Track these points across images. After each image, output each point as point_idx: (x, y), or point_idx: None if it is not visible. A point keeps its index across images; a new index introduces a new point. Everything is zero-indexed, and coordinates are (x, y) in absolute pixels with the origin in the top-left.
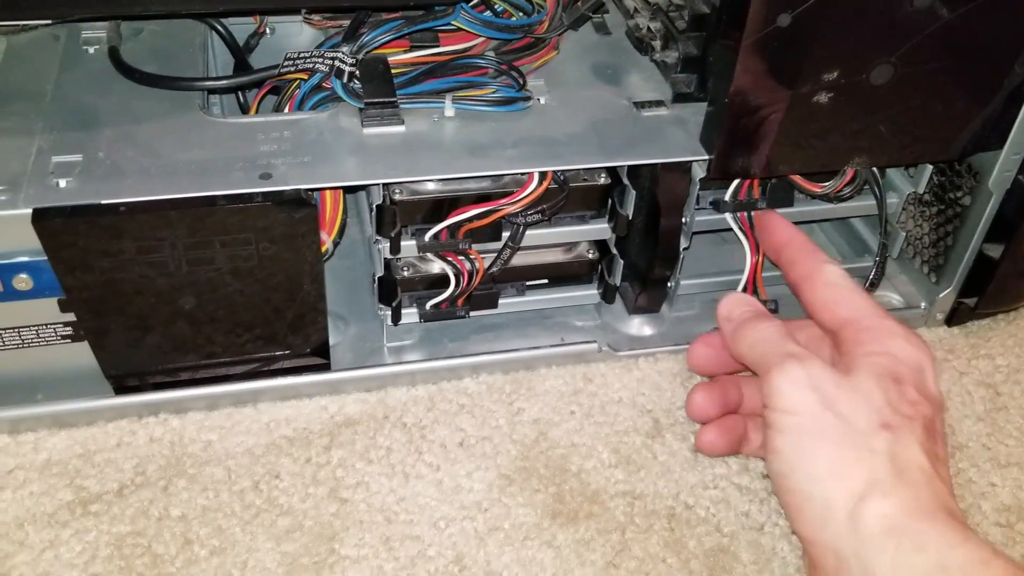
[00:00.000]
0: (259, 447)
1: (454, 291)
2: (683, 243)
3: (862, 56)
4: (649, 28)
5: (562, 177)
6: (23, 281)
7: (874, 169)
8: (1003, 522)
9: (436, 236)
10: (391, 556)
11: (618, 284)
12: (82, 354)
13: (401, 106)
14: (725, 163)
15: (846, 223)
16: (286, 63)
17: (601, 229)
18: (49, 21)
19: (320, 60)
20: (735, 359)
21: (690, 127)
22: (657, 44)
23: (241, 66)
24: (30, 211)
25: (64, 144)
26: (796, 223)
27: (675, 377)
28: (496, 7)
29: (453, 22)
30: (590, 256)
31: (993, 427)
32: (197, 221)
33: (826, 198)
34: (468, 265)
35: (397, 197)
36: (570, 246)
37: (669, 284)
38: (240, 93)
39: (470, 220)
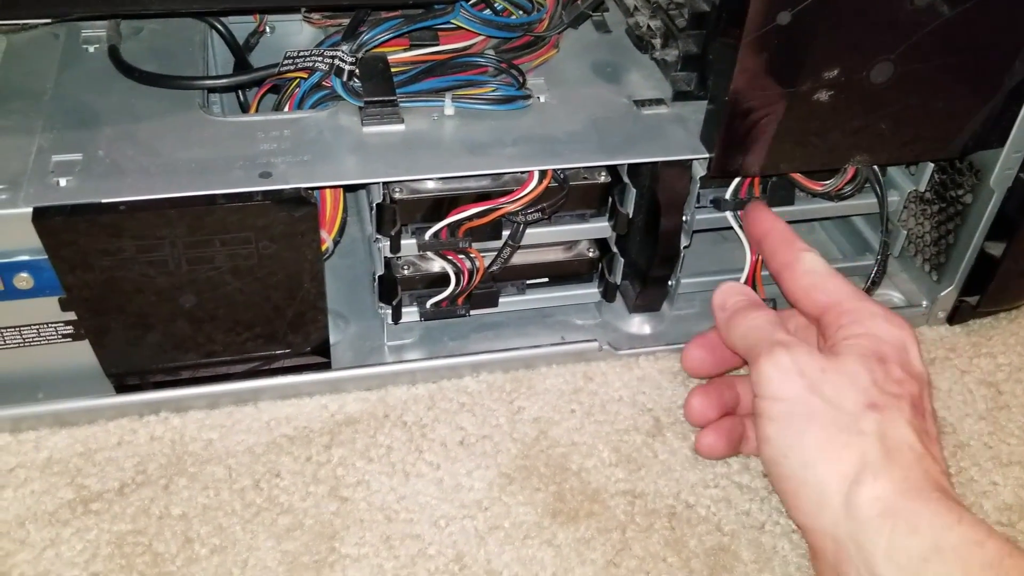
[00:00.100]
0: (260, 446)
1: (454, 290)
2: (683, 241)
3: (862, 54)
4: (649, 26)
5: (562, 175)
6: (24, 280)
7: (875, 167)
8: (1005, 521)
9: (436, 235)
10: (391, 555)
11: (618, 283)
12: (83, 353)
13: (401, 105)
14: (725, 161)
15: (847, 221)
16: (286, 62)
17: (601, 228)
18: (49, 20)
19: (320, 59)
20: (728, 349)
21: (690, 125)
22: (657, 42)
23: (241, 65)
24: (30, 210)
25: (64, 143)
26: (797, 221)
27: (676, 376)
28: (496, 5)
29: (453, 20)
30: (590, 255)
31: (995, 426)
32: (197, 220)
33: (827, 196)
34: (468, 264)
35: (397, 196)
36: (570, 244)
37: (670, 283)
38: (240, 92)
39: (470, 219)
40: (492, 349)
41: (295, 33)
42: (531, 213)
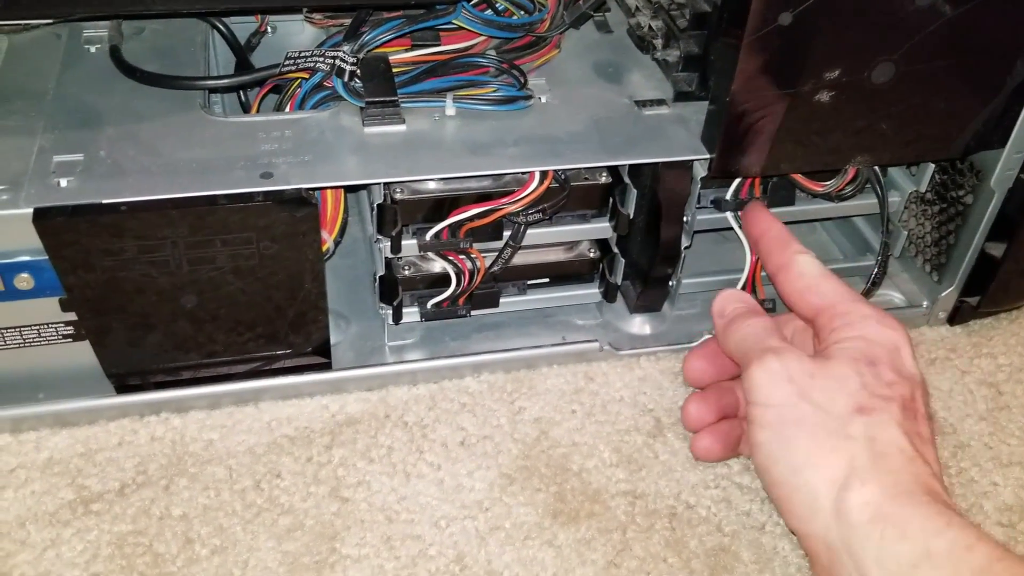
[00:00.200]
0: (260, 446)
1: (455, 290)
2: (684, 242)
3: (863, 55)
4: (650, 26)
5: (563, 176)
6: (24, 280)
7: (875, 168)
8: (1005, 522)
9: (437, 235)
10: (392, 555)
11: (619, 283)
12: (83, 353)
13: (402, 105)
14: (726, 162)
15: (848, 222)
16: (287, 62)
17: (602, 228)
18: (51, 20)
19: (321, 59)
20: (726, 356)
21: (691, 126)
22: (658, 42)
23: (242, 65)
24: (31, 211)
25: (65, 143)
26: (798, 222)
27: (677, 376)
28: (498, 6)
29: (454, 21)
30: (591, 255)
31: (995, 426)
32: (198, 220)
33: (827, 197)
34: (469, 264)
35: (398, 196)
36: (571, 245)
37: (670, 283)
38: (242, 92)
39: (471, 219)
40: (493, 349)
41: (297, 33)
42: (532, 214)
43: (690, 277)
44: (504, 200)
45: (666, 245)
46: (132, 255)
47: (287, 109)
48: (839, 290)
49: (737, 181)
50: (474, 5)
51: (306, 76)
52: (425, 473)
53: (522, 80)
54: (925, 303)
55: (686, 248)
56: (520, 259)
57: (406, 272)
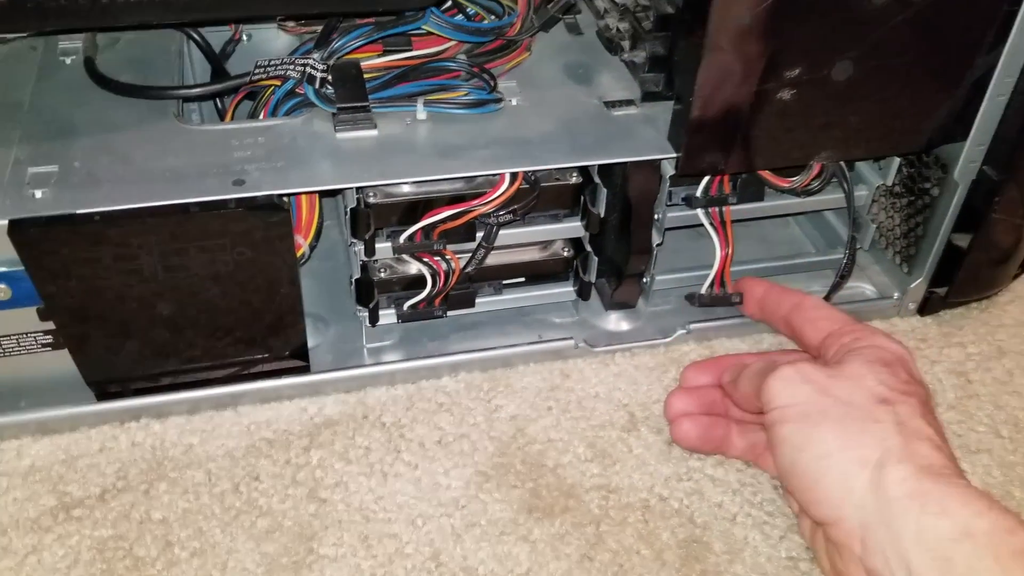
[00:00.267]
0: (239, 449)
1: (431, 291)
2: (656, 239)
3: (822, 53)
4: (618, 28)
5: (533, 177)
6: (2, 291)
7: (841, 163)
8: None
9: (411, 237)
10: (369, 554)
11: (593, 281)
12: (63, 362)
13: (374, 110)
14: (693, 160)
15: (820, 216)
16: (257, 71)
17: (574, 227)
18: (26, 33)
19: (291, 67)
20: (743, 406)
21: (659, 125)
22: (626, 44)
23: (218, 73)
24: (6, 222)
25: (40, 155)
26: (767, 217)
27: (651, 371)
28: (468, 10)
29: (424, 26)
30: (565, 254)
31: (964, 415)
32: (172, 228)
33: (794, 192)
34: (444, 265)
35: (371, 200)
36: (545, 244)
37: (644, 280)
38: (218, 99)
39: (444, 221)
40: (470, 349)
41: (271, 40)
42: (503, 215)
43: (664, 273)
44: (476, 202)
45: (638, 243)
46: (108, 264)
47: (260, 116)
48: (847, 316)
49: (707, 178)
50: (444, 10)
51: (278, 83)
52: (402, 472)
53: (492, 83)
54: (896, 294)
55: (658, 245)
56: (495, 259)
57: (382, 274)
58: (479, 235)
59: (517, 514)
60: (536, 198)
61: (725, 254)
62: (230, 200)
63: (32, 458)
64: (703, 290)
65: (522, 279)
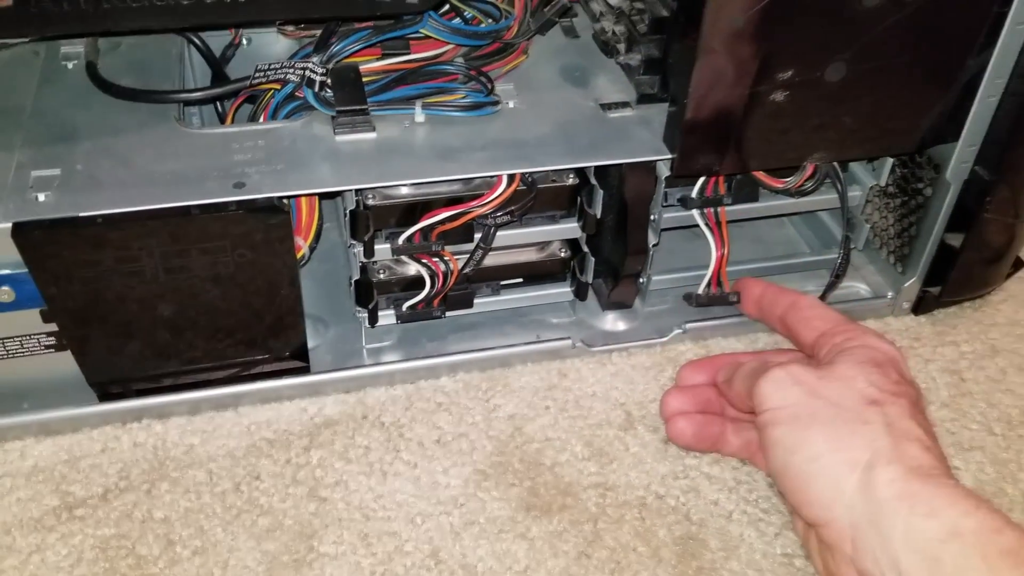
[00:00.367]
0: (240, 449)
1: (429, 292)
2: (652, 240)
3: (815, 55)
4: (614, 31)
5: (530, 179)
6: (5, 293)
7: (834, 164)
8: None
9: (409, 239)
10: (369, 552)
11: (590, 281)
12: (66, 363)
13: (372, 113)
14: (687, 162)
15: (814, 216)
16: (256, 74)
17: (571, 228)
18: (28, 38)
19: (291, 71)
20: (738, 405)
21: (655, 127)
22: (622, 47)
23: (218, 77)
24: (10, 225)
25: (43, 158)
26: (762, 218)
27: (648, 371)
28: (465, 14)
29: (422, 30)
30: (562, 255)
31: (957, 412)
32: (173, 231)
33: (788, 193)
34: (442, 266)
35: (370, 202)
36: (543, 245)
37: (641, 280)
38: (219, 103)
39: (442, 222)
40: (468, 349)
41: (271, 44)
42: (501, 216)
43: (660, 274)
44: (474, 203)
45: (634, 243)
46: (110, 266)
47: (260, 119)
48: (841, 316)
49: (702, 179)
50: (442, 14)
51: (278, 87)
52: (402, 471)
53: (489, 86)
54: (890, 293)
55: (654, 246)
56: (493, 260)
57: (381, 276)
58: (477, 236)
59: (515, 512)
60: (533, 199)
61: (721, 254)
62: (231, 202)
63: (35, 458)
64: (700, 290)
65: (520, 280)
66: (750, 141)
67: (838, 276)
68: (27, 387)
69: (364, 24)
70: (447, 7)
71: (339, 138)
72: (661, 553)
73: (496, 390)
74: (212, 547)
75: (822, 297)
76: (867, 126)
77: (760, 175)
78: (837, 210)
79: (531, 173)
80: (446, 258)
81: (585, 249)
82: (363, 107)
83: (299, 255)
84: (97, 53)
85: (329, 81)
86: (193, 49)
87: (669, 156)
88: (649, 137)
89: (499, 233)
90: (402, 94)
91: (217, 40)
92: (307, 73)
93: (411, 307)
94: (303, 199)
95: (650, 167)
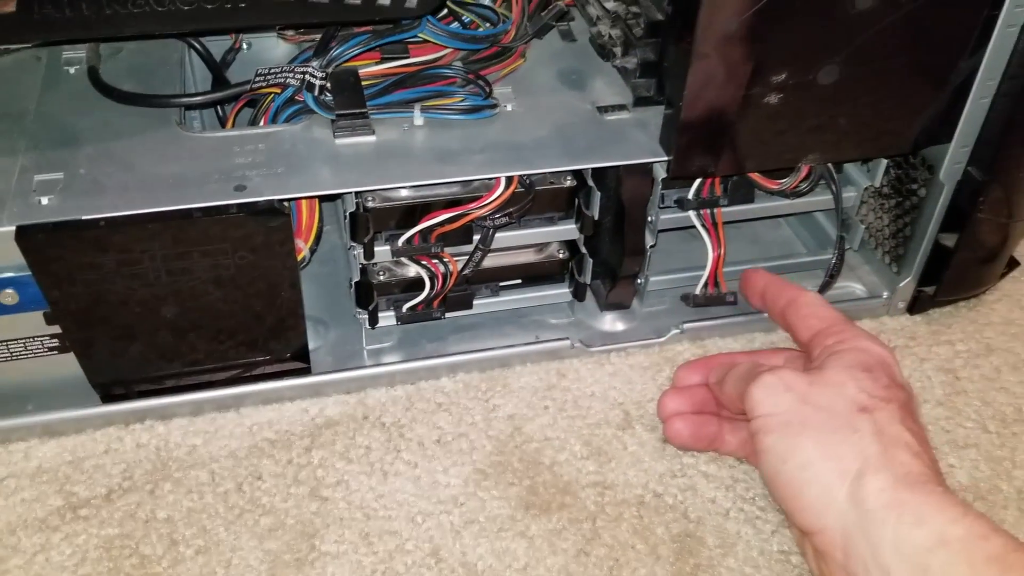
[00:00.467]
0: (242, 450)
1: (429, 293)
2: (649, 241)
3: (808, 58)
4: (610, 35)
5: (528, 181)
6: (9, 296)
7: (829, 165)
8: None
9: (409, 241)
10: (370, 551)
11: (588, 282)
12: (69, 365)
13: (372, 116)
14: (683, 163)
15: (810, 217)
16: (257, 79)
17: (569, 230)
18: (31, 44)
19: (290, 75)
20: (729, 407)
21: (651, 129)
22: (618, 50)
23: (218, 81)
24: (14, 228)
25: (46, 162)
26: (758, 219)
27: (646, 371)
28: (463, 18)
29: (420, 34)
30: (560, 256)
31: (952, 410)
32: (175, 233)
33: (783, 194)
34: (442, 268)
35: (370, 204)
36: (541, 247)
37: (638, 281)
38: (219, 107)
39: (441, 224)
40: (468, 350)
41: (271, 49)
42: (499, 218)
43: (658, 275)
44: (472, 205)
45: (631, 245)
46: (112, 269)
47: (261, 123)
48: (836, 315)
49: (698, 181)
50: (440, 18)
51: (278, 91)
52: (402, 471)
53: (487, 90)
54: (885, 293)
55: (651, 247)
56: (492, 261)
57: (381, 277)
58: (476, 238)
59: (515, 511)
60: (531, 201)
61: (717, 255)
62: (232, 205)
63: (39, 460)
64: (696, 290)
65: (519, 281)
66: (745, 143)
67: (832, 276)
68: (31, 389)
69: (363, 28)
70: (445, 12)
71: (339, 141)
72: (659, 550)
73: (495, 390)
74: (215, 546)
75: None
76: (861, 128)
77: (756, 176)
78: (832, 211)
79: (529, 175)
80: (445, 260)
81: (583, 250)
82: (362, 110)
83: (300, 257)
84: (99, 58)
85: (329, 85)
86: (194, 54)
87: (665, 158)
88: (645, 139)
89: (498, 235)
90: (401, 97)
91: (217, 45)
92: (307, 77)
93: (411, 308)
94: (303, 202)
95: (647, 169)
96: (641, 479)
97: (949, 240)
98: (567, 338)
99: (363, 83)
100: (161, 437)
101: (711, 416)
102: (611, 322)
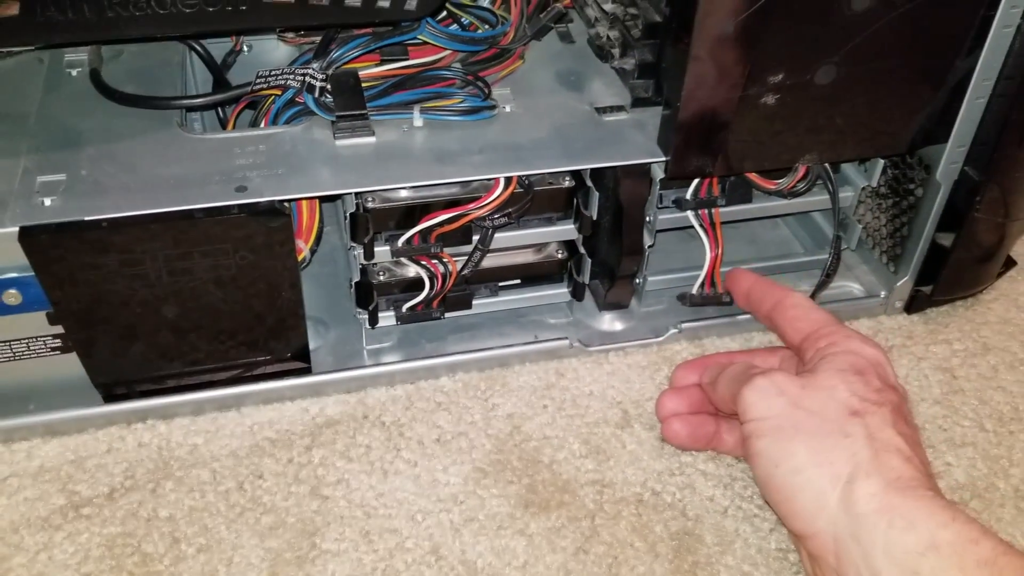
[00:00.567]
0: (243, 449)
1: (429, 293)
2: (647, 241)
3: (805, 58)
4: (608, 36)
5: (527, 181)
6: (12, 296)
7: (826, 165)
8: (957, 499)
9: (409, 241)
10: (370, 549)
11: (587, 282)
12: (71, 365)
13: (372, 118)
14: (681, 164)
15: (808, 217)
16: (258, 80)
17: (568, 230)
18: (33, 46)
19: (291, 76)
20: (722, 408)
21: (649, 130)
22: (616, 52)
23: (219, 83)
24: (17, 229)
25: (48, 164)
26: (756, 219)
27: (644, 370)
28: (462, 20)
29: (420, 36)
30: (559, 256)
31: (949, 409)
32: (176, 234)
33: (780, 194)
34: (441, 268)
35: (370, 205)
36: (540, 247)
37: (637, 280)
38: (220, 109)
39: (440, 225)
40: (467, 350)
41: (271, 51)
42: (498, 218)
43: (656, 274)
44: (471, 206)
45: (630, 245)
46: (115, 269)
47: (261, 125)
48: (826, 317)
49: (696, 181)
50: (439, 20)
51: (279, 93)
52: (402, 470)
53: (486, 91)
54: (883, 293)
55: (649, 247)
56: (491, 262)
57: (381, 277)
58: (475, 238)
59: (514, 509)
60: (530, 202)
61: (715, 255)
62: (233, 206)
63: (42, 459)
64: (694, 290)
65: (518, 281)
66: (742, 143)
67: (828, 275)
68: (33, 388)
69: (363, 31)
70: (444, 13)
71: (339, 142)
72: (658, 548)
73: (495, 390)
74: (216, 545)
75: (812, 296)
76: (858, 128)
77: (753, 177)
78: (830, 211)
79: (528, 176)
80: (445, 260)
81: (582, 250)
82: (362, 112)
83: (300, 257)
84: (100, 60)
85: (329, 87)
86: (195, 56)
87: (663, 158)
88: (643, 140)
89: (497, 235)
90: (401, 99)
91: (218, 47)
92: (307, 79)
93: (411, 308)
94: (304, 202)
95: (645, 169)
96: (639, 477)
97: (946, 240)
98: (566, 338)
99: (363, 85)
100: (163, 436)
101: (709, 416)
102: (609, 322)
